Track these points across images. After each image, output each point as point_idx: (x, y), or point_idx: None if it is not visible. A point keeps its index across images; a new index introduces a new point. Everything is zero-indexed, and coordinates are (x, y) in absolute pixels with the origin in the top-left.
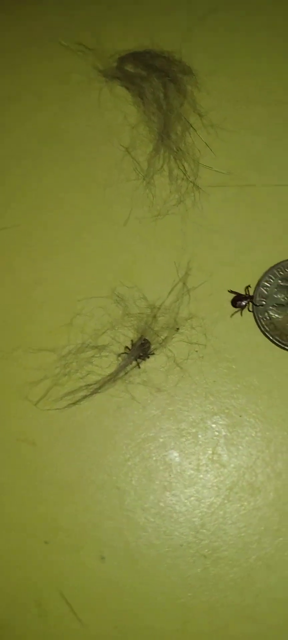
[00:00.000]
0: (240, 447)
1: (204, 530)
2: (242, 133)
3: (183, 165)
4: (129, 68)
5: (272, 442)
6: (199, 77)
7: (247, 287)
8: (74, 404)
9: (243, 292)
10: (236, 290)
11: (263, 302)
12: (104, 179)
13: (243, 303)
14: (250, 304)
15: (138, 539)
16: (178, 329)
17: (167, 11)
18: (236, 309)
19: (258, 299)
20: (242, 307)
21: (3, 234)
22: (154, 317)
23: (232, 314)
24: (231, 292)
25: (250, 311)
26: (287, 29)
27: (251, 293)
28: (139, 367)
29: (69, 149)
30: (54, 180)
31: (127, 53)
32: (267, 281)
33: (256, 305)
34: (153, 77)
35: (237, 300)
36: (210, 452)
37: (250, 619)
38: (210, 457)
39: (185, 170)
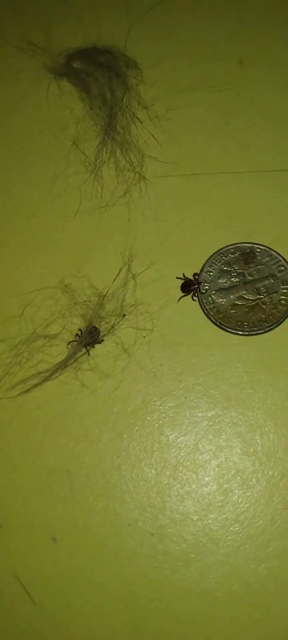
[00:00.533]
0: (186, 427)
1: (150, 509)
2: (186, 123)
3: (129, 157)
4: (76, 64)
5: (216, 421)
6: (144, 70)
7: (195, 274)
8: (26, 392)
9: (191, 278)
10: (185, 276)
11: (207, 287)
12: (53, 172)
13: (191, 288)
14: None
15: (88, 520)
16: (124, 315)
17: (113, 6)
18: (184, 294)
19: (202, 284)
20: (190, 293)
21: None
22: (102, 304)
23: (179, 299)
24: (179, 278)
25: (194, 300)
26: (228, 17)
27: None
28: (89, 355)
29: (18, 144)
30: (3, 175)
31: (74, 50)
32: (210, 266)
33: (202, 292)
34: (99, 72)
35: (185, 287)
36: (157, 433)
37: (198, 595)
38: (157, 438)
39: (131, 161)
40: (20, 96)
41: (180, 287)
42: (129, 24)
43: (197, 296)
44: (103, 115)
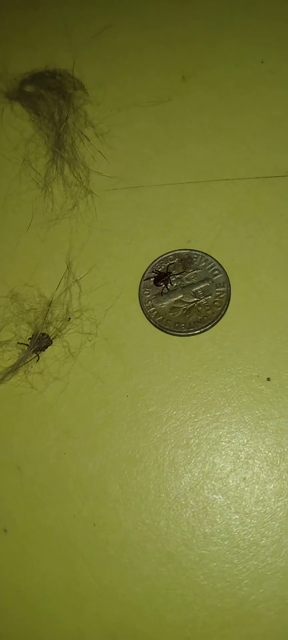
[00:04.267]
0: (127, 423)
1: (93, 500)
2: (130, 138)
3: (77, 173)
4: (28, 89)
5: (156, 417)
6: (90, 90)
7: (167, 266)
8: None
9: (161, 271)
10: (157, 270)
11: (147, 292)
12: (7, 190)
13: (164, 279)
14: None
15: (36, 511)
16: (69, 318)
17: (63, 32)
18: (159, 285)
19: (142, 290)
20: (163, 285)
21: None
22: (49, 310)
23: (159, 292)
24: (154, 272)
25: (167, 289)
26: (170, 37)
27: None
28: (38, 359)
29: None
30: None
31: (28, 75)
32: (151, 273)
33: (171, 283)
34: (48, 94)
35: (158, 279)
36: (101, 430)
37: (134, 578)
38: (101, 434)
39: (79, 177)
40: None
41: (153, 282)
42: (76, 49)
43: (139, 299)
44: (52, 135)
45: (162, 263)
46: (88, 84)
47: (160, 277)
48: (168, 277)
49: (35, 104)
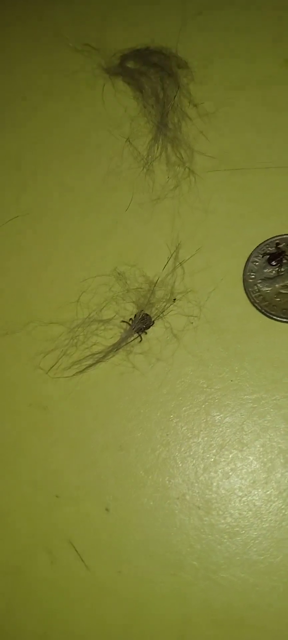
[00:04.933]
0: (231, 408)
1: (197, 484)
2: (233, 119)
3: (180, 153)
4: (130, 65)
5: (260, 403)
6: (194, 70)
7: (277, 246)
8: (81, 372)
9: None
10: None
11: (253, 276)
12: (107, 167)
13: (279, 258)
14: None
15: (138, 492)
16: (175, 299)
17: (165, 10)
18: (274, 264)
19: (247, 273)
20: (278, 264)
21: (16, 222)
22: (152, 292)
23: (273, 269)
24: (266, 254)
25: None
26: (272, 19)
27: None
28: (141, 340)
29: (75, 141)
30: (61, 170)
31: (128, 51)
32: (256, 257)
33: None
34: (152, 72)
35: (273, 258)
36: (203, 413)
37: (241, 565)
38: (204, 418)
39: (181, 157)
40: (77, 95)
41: (267, 261)
42: (180, 26)
43: (243, 283)
44: (155, 113)
45: (267, 247)
46: (192, 62)
47: (273, 257)
48: (282, 256)
49: (138, 80)
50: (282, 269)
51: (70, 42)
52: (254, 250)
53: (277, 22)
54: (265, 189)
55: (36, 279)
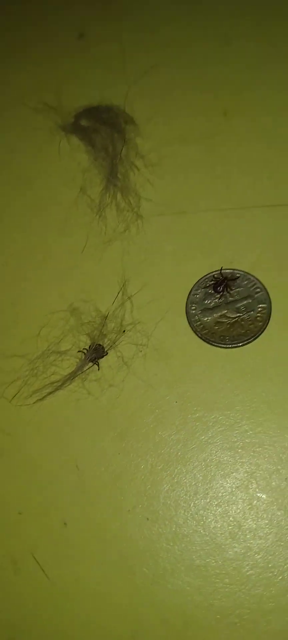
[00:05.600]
0: (176, 427)
1: (146, 497)
2: (177, 168)
3: (128, 199)
4: (83, 122)
5: (202, 421)
6: (140, 125)
7: (218, 275)
8: (41, 399)
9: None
10: (215, 277)
11: (194, 308)
12: (65, 215)
13: (222, 285)
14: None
15: (93, 507)
16: (124, 331)
17: (114, 70)
18: (218, 292)
19: (189, 305)
20: (221, 292)
21: None
22: (104, 324)
23: (217, 296)
24: (212, 279)
25: (227, 293)
26: (212, 73)
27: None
28: (98, 368)
29: (35, 192)
30: (22, 218)
31: (81, 109)
32: (197, 290)
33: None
34: (102, 128)
35: (217, 286)
36: (152, 433)
37: (186, 569)
38: (152, 437)
39: (130, 203)
40: (37, 151)
41: (213, 289)
42: (127, 85)
43: (186, 314)
44: (106, 165)
45: (207, 281)
46: (138, 118)
47: (218, 283)
48: (226, 282)
49: (90, 136)
50: (221, 300)
51: (31, 102)
52: (195, 284)
53: (217, 76)
54: (205, 229)
55: (1, 316)
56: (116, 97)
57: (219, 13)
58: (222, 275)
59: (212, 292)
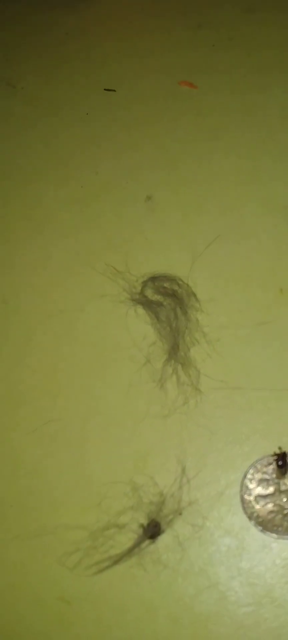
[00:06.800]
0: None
1: None
2: (234, 344)
3: (188, 373)
4: (148, 294)
5: (256, 617)
6: (201, 302)
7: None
8: (100, 571)
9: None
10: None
11: (248, 492)
12: (129, 381)
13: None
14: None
15: None
16: (181, 513)
17: (181, 235)
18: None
19: (243, 488)
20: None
21: (49, 426)
22: (163, 502)
23: (283, 474)
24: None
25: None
26: (268, 249)
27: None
28: (154, 544)
29: (103, 356)
30: (90, 380)
31: (147, 277)
32: (251, 474)
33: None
34: (167, 300)
35: (279, 459)
36: (207, 623)
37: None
38: (208, 625)
39: (189, 376)
40: (105, 315)
41: (275, 462)
42: (192, 259)
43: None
44: (168, 338)
45: (262, 465)
46: (200, 294)
47: (279, 458)
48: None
49: (155, 310)
50: (278, 481)
51: (100, 264)
52: (250, 466)
53: (272, 252)
54: (259, 408)
55: (66, 491)
56: (180, 267)
57: None
58: (280, 449)
59: (272, 473)
